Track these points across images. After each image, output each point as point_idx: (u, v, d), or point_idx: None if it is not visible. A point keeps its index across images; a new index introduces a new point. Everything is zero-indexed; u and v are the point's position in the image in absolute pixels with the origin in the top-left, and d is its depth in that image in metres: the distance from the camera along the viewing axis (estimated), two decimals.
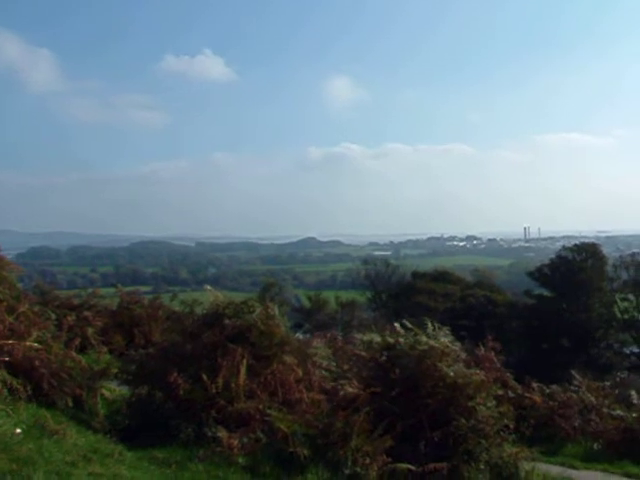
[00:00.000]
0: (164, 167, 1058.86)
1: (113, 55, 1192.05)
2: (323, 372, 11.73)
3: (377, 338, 10.95)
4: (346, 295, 62.85)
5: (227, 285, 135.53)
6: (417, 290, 62.88)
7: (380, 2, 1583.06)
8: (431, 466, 9.15)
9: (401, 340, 10.48)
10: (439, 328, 10.89)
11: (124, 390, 11.38)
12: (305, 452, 8.87)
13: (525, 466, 10.27)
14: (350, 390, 10.09)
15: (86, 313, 17.09)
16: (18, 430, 8.21)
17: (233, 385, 10.05)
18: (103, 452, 8.42)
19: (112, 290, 20.90)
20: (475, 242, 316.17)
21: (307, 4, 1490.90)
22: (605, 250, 66.52)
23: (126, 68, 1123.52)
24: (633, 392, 17.89)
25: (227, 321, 10.75)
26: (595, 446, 14.84)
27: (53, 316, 14.07)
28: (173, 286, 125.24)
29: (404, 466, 9.13)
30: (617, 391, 18.28)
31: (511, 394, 15.31)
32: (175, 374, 10.06)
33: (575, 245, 64.78)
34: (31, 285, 22.22)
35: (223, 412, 9.78)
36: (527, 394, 16.02)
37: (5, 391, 9.48)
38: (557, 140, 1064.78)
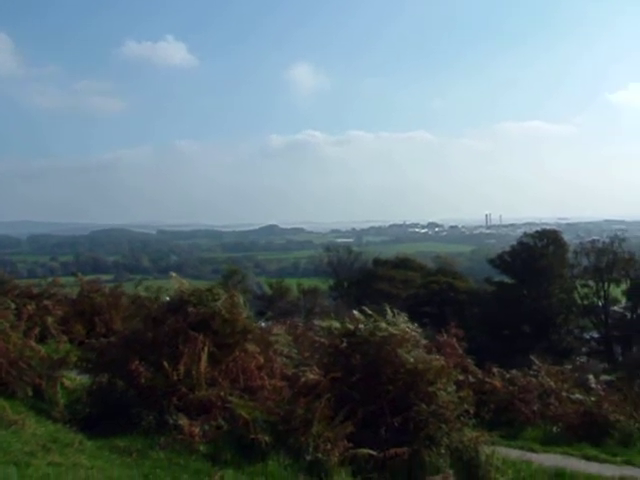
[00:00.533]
0: (126, 154, 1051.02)
1: (73, 41, 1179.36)
2: (284, 359, 11.75)
3: (337, 325, 10.98)
4: (308, 282, 63.13)
5: (189, 273, 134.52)
6: (378, 277, 63.21)
7: None
8: (392, 451, 9.18)
9: (361, 327, 10.51)
10: (398, 314, 10.94)
11: (84, 379, 11.26)
12: (266, 439, 8.87)
13: (485, 450, 10.34)
14: (311, 377, 10.09)
15: (46, 302, 16.92)
16: None
17: (194, 373, 10.01)
18: (63, 442, 8.36)
19: (72, 279, 20.77)
20: (437, 229, 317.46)
21: None
22: (566, 237, 67.34)
23: (87, 54, 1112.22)
24: (591, 376, 18.16)
25: (191, 308, 10.71)
26: (554, 429, 15.03)
27: (12, 305, 13.97)
28: (135, 274, 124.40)
29: (365, 451, 9.17)
30: (576, 375, 18.51)
31: (472, 379, 15.46)
32: (136, 362, 9.99)
33: (536, 232, 65.60)
34: None
35: (184, 400, 9.74)
36: (487, 379, 16.17)
37: None
38: (517, 128, 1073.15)
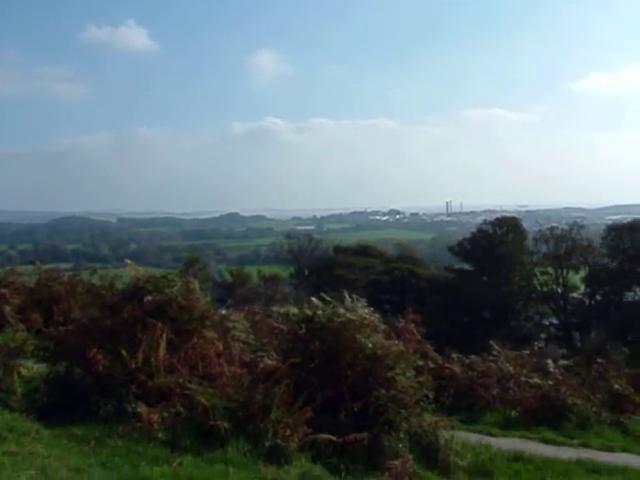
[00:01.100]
0: (87, 141, 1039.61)
1: (33, 25, 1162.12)
2: (243, 345, 11.74)
3: (295, 311, 10.99)
4: (269, 270, 63.06)
5: (149, 261, 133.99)
6: (338, 264, 63.31)
7: None
8: (352, 436, 9.23)
9: (319, 313, 10.53)
10: (357, 300, 10.97)
11: (42, 368, 11.18)
12: (225, 425, 8.87)
13: (444, 434, 10.45)
14: (269, 363, 10.10)
15: (3, 291, 16.76)
16: None
17: (153, 360, 9.99)
18: (19, 431, 8.29)
19: (31, 267, 20.53)
20: (398, 216, 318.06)
21: None
22: (525, 224, 67.62)
23: (47, 39, 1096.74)
24: (549, 361, 18.35)
25: (147, 296, 10.66)
26: (513, 413, 15.18)
27: None
28: (94, 263, 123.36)
29: (325, 437, 9.20)
30: (535, 360, 18.70)
31: (431, 365, 15.58)
32: (94, 350, 9.94)
33: (496, 219, 65.99)
34: None
35: (143, 387, 9.71)
36: (447, 365, 16.30)
37: None
38: (479, 116, 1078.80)
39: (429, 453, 10.14)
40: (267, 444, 8.86)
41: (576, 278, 61.58)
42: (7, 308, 15.36)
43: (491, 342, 18.67)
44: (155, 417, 8.98)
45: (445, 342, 19.45)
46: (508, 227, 62.58)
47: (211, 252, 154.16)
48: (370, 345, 10.10)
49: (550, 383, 16.07)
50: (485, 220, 68.11)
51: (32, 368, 11.43)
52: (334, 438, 9.20)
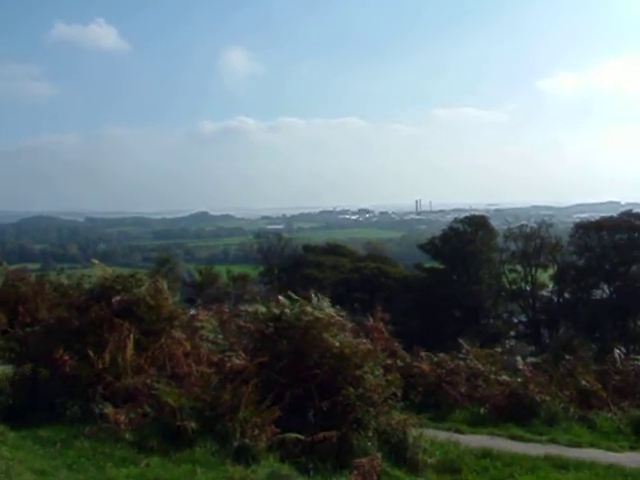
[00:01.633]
0: (56, 140, 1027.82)
1: None
2: (211, 345, 11.71)
3: (263, 310, 10.97)
4: (238, 269, 62.91)
5: (118, 261, 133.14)
6: (308, 263, 63.39)
7: None
8: (320, 435, 9.23)
9: (287, 311, 10.51)
10: (323, 299, 10.95)
11: (7, 369, 11.08)
12: (193, 425, 8.84)
13: (413, 432, 10.46)
14: (237, 362, 10.09)
15: None
16: None
17: (120, 360, 9.95)
18: None
19: None
20: (367, 215, 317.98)
21: None
22: (494, 222, 68.16)
23: (14, 36, 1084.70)
24: (519, 358, 18.46)
25: (115, 295, 10.61)
26: (482, 411, 15.21)
27: None
28: (63, 263, 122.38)
29: (293, 436, 9.20)
30: (504, 358, 18.80)
31: (400, 363, 15.60)
32: (60, 350, 9.89)
33: (465, 217, 66.37)
34: None
35: (110, 388, 9.67)
36: (416, 363, 16.31)
37: None
38: (449, 114, 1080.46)
39: (398, 451, 10.15)
40: (235, 444, 8.84)
41: (545, 276, 62.16)
42: None
43: (460, 340, 18.75)
44: (122, 418, 8.95)
45: (415, 340, 19.49)
46: (477, 225, 62.91)
47: (180, 252, 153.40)
48: (337, 344, 10.09)
49: (519, 380, 16.12)
50: (455, 218, 68.50)
51: None
52: (302, 437, 9.19)
